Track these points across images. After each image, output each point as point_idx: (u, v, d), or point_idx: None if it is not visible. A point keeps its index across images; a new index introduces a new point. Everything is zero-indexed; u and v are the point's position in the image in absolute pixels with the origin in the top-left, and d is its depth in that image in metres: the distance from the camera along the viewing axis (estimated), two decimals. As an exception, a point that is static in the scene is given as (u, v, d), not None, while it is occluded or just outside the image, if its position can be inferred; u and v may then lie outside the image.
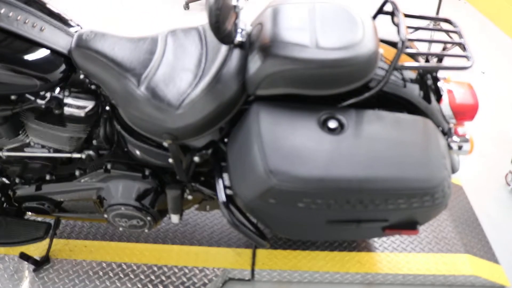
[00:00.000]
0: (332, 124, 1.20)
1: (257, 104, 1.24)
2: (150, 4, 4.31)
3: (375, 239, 1.86)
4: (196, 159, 1.41)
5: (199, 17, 4.09)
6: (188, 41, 1.40)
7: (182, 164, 1.41)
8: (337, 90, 1.21)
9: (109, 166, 1.48)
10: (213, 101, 1.25)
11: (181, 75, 1.31)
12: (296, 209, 1.21)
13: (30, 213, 1.69)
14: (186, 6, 4.17)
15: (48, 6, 1.40)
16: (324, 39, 1.18)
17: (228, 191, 1.34)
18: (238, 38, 1.28)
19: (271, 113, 1.21)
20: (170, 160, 1.42)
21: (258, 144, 1.16)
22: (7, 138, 1.46)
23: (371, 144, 1.17)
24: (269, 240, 1.84)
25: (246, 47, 1.30)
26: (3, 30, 1.25)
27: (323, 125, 1.20)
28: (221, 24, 1.13)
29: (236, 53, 1.29)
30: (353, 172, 1.13)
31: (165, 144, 1.36)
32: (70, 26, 1.40)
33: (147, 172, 1.49)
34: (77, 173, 1.52)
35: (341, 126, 1.20)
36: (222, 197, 1.33)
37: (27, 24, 1.29)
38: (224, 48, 1.30)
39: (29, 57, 1.27)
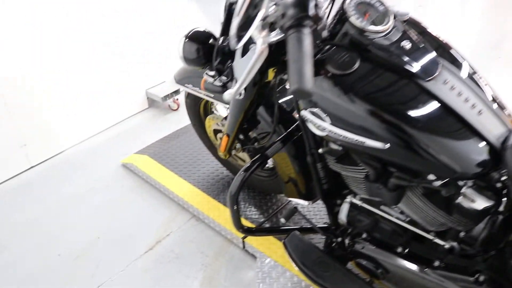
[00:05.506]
0: None
1: None
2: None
3: None
4: None
5: None
6: None
7: None
8: None
9: (481, 278, 1.21)
10: None
11: None
12: None
13: (354, 265, 1.59)
14: None
15: (490, 87, 1.19)
16: None
17: None
18: None
19: None
20: None
21: None
22: (386, 203, 1.36)
23: None
24: None
25: None
26: (443, 103, 1.10)
27: None
28: None
29: None
30: None
31: None
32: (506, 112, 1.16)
33: None
34: (436, 263, 1.31)
35: None
36: None
37: (467, 103, 1.11)
38: None
39: (460, 142, 1.08)
